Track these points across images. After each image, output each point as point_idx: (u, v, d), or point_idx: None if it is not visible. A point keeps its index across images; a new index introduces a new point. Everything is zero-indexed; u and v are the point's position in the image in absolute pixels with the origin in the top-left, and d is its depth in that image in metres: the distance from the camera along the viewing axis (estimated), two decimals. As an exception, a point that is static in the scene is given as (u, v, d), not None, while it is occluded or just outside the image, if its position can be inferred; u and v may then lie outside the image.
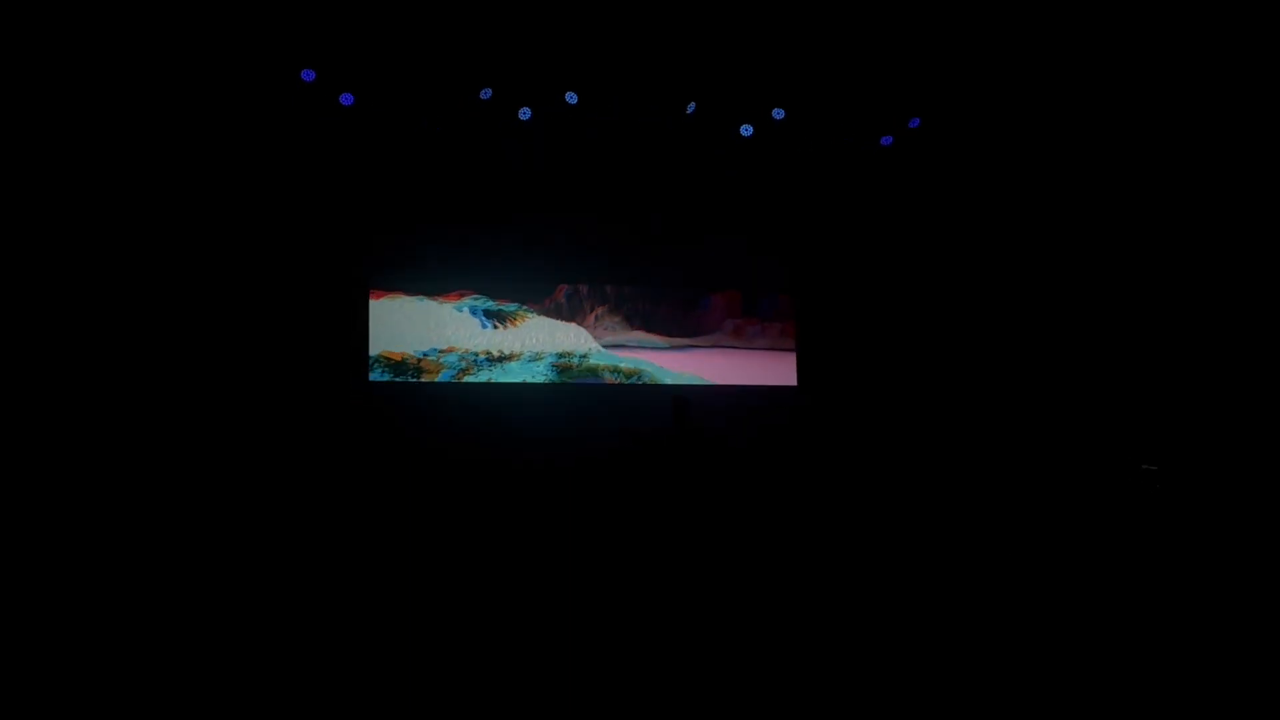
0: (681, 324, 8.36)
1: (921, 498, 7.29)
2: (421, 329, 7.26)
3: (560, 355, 7.72)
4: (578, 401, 7.58)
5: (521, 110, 7.25)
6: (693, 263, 8.36)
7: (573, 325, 7.86)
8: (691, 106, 7.48)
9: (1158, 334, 6.83)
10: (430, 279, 7.40)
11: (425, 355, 7.20)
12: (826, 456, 7.84)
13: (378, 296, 7.24)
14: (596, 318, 8.09)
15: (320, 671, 5.35)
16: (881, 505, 7.24)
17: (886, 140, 7.78)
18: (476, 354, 7.40)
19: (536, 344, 7.65)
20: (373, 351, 7.02)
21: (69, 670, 5.01)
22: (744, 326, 8.54)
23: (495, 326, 7.53)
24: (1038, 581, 5.84)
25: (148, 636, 5.33)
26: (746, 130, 7.51)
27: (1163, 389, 6.66)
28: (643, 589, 6.37)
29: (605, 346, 8.02)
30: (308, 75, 6.61)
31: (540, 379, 7.63)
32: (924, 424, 8.05)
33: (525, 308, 7.71)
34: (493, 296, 7.62)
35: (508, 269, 7.70)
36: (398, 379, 7.09)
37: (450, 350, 7.31)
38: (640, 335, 8.21)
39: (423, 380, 7.15)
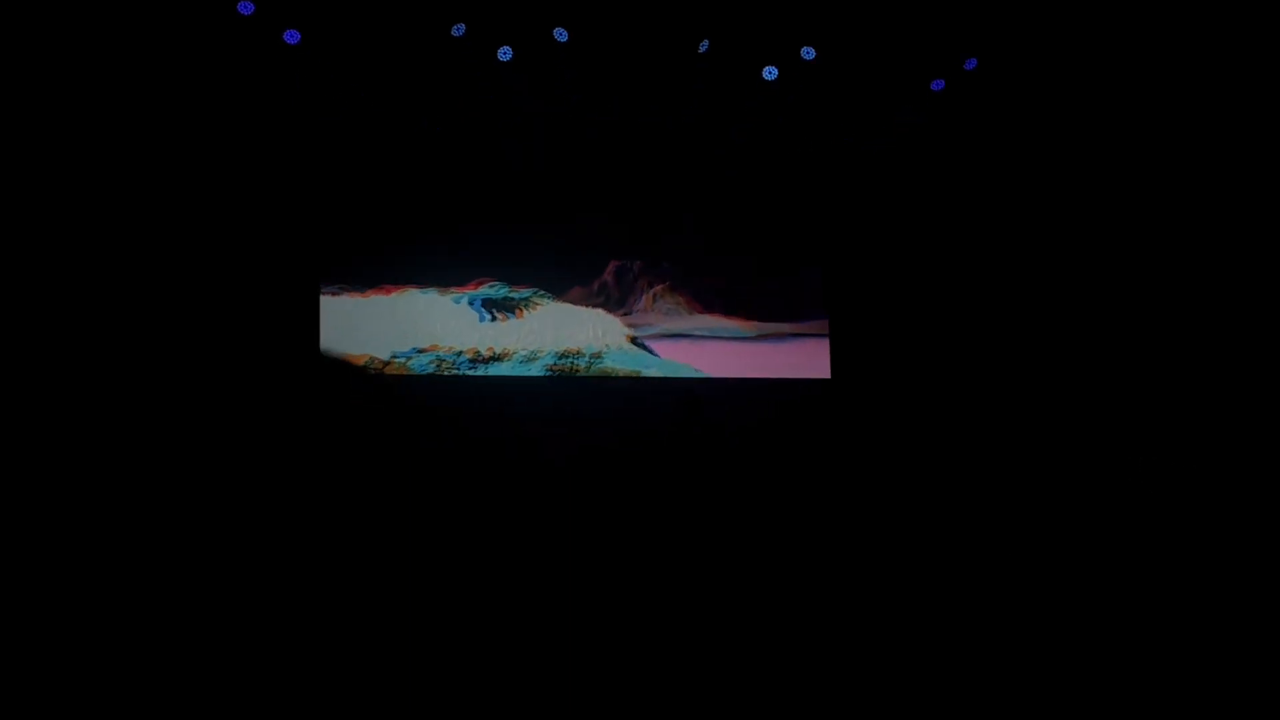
0: (776, 302, 5.92)
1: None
2: (407, 327, 5.93)
3: (561, 356, 5.80)
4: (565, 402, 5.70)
5: (501, 50, 5.58)
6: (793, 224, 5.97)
7: (597, 312, 5.93)
8: (704, 45, 5.57)
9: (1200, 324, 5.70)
10: (446, 269, 6.08)
11: (394, 358, 5.89)
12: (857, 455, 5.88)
13: (388, 292, 6.14)
14: (655, 297, 6.06)
15: (306, 667, 5.13)
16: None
17: (938, 85, 5.92)
18: (461, 352, 5.88)
19: (537, 340, 5.86)
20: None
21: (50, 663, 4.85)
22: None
23: (494, 318, 5.94)
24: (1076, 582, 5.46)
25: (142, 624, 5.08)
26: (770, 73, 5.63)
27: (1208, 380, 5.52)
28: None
29: (659, 337, 5.95)
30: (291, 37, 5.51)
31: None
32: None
33: (540, 293, 5.99)
34: (513, 283, 6.05)
35: (545, 249, 6.07)
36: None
37: (431, 349, 5.90)
38: (711, 321, 5.99)
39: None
